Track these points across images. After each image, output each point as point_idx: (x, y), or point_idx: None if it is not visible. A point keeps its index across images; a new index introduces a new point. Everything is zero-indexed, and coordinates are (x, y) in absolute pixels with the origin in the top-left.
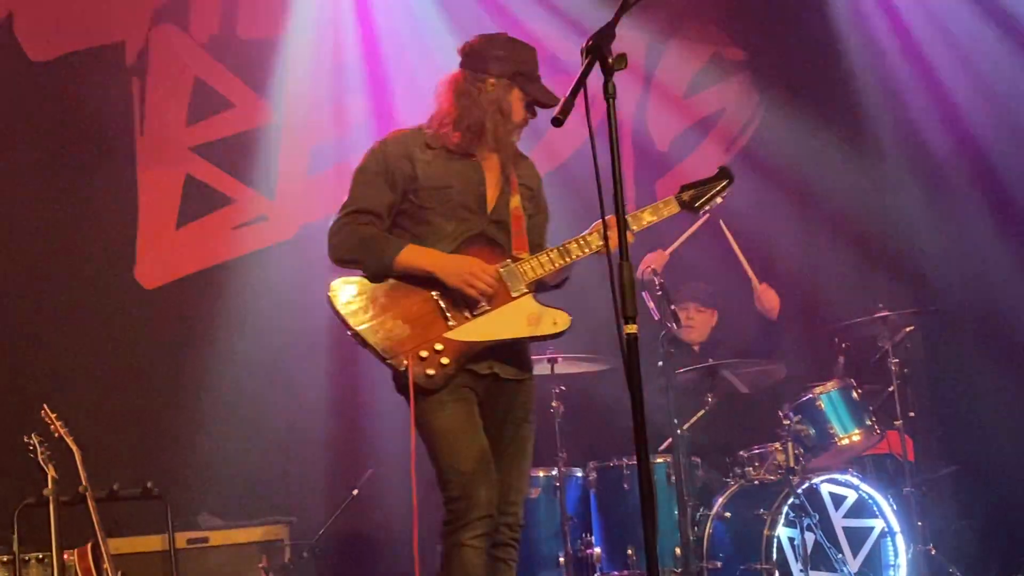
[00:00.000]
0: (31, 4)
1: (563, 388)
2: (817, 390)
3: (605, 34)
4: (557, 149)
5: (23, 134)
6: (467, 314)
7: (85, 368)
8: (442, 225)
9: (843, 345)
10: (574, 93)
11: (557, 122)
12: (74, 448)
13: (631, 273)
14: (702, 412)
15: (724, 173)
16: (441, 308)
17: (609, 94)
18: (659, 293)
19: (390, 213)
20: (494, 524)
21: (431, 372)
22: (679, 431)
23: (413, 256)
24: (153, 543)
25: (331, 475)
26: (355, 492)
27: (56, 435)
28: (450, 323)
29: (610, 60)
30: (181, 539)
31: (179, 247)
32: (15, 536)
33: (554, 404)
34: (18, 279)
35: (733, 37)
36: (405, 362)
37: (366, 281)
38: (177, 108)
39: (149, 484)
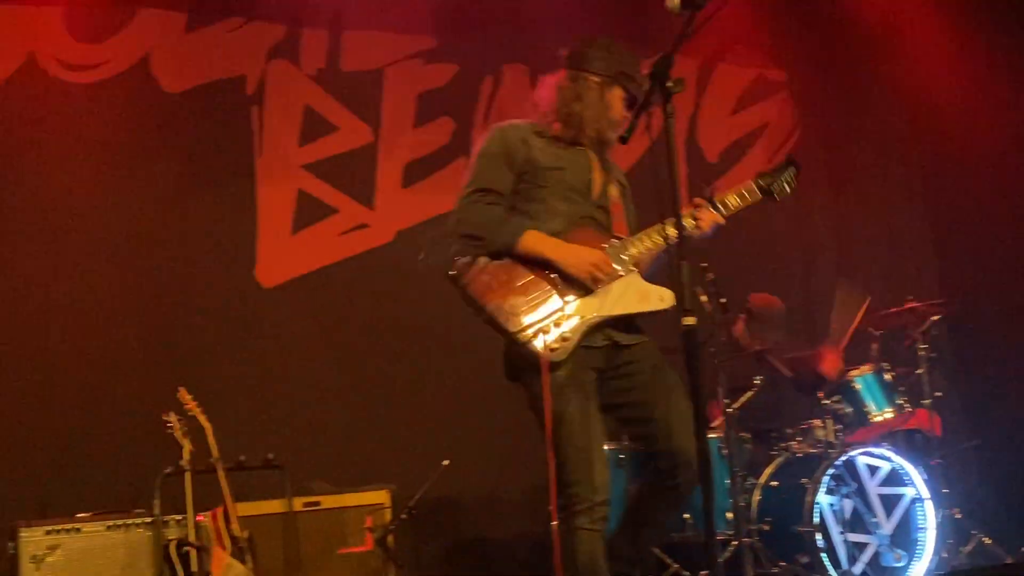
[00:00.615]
0: (165, 44)
1: None
2: (853, 373)
3: (664, 61)
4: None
5: (161, 155)
6: (582, 292)
7: (214, 355)
8: (555, 205)
9: (876, 332)
10: (637, 115)
11: (623, 140)
12: (206, 425)
13: (689, 272)
14: (750, 393)
15: (791, 161)
16: (559, 286)
17: (668, 113)
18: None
19: (509, 193)
20: (608, 509)
21: (554, 347)
22: (729, 410)
23: (535, 241)
24: (273, 507)
25: (427, 447)
26: (446, 463)
27: (190, 413)
28: (567, 300)
29: (669, 84)
30: (297, 503)
31: (293, 251)
32: (157, 501)
33: None
34: (160, 279)
35: (775, 60)
36: (530, 337)
37: (486, 259)
38: (290, 132)
39: (270, 455)
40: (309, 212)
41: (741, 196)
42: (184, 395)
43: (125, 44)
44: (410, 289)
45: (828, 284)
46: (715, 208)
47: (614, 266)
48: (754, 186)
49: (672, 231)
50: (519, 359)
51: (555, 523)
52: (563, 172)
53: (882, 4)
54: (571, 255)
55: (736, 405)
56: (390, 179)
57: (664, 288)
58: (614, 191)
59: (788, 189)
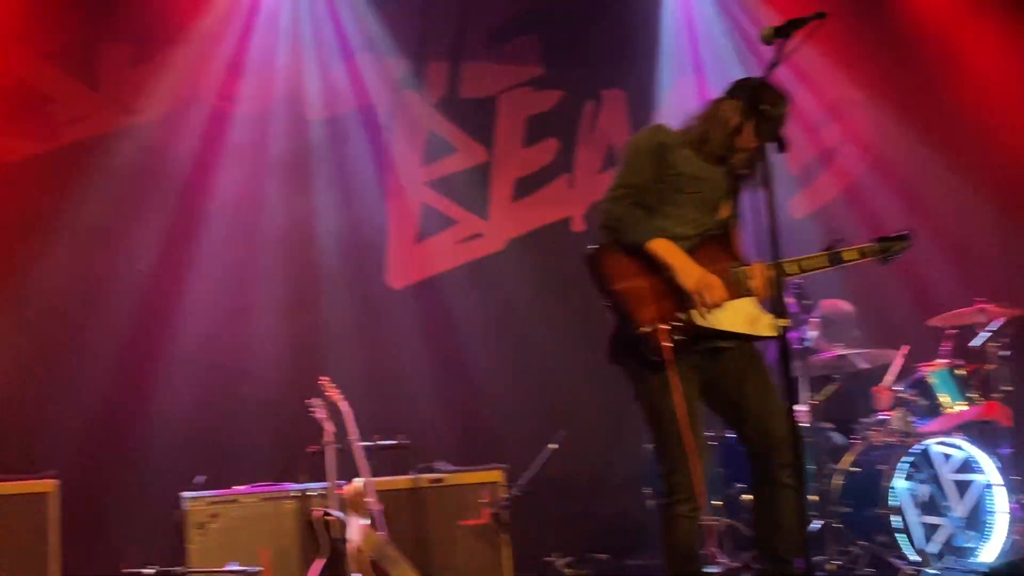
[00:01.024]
0: (310, 79)
1: None
2: (928, 368)
3: (760, 86)
4: None
5: (308, 173)
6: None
7: (352, 347)
8: (687, 212)
9: (949, 331)
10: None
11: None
12: (344, 409)
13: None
14: (832, 387)
15: (908, 235)
16: (679, 290)
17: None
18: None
19: (650, 188)
20: (705, 498)
21: (667, 344)
22: (813, 402)
23: (662, 248)
24: (403, 482)
25: (535, 432)
26: (554, 446)
27: (331, 399)
28: (684, 304)
29: (763, 107)
30: (423, 479)
31: (418, 257)
32: (303, 475)
33: None
34: (306, 280)
35: (854, 80)
36: (646, 328)
37: (621, 252)
38: (414, 153)
39: (400, 436)
40: (431, 223)
41: (861, 253)
42: (326, 383)
43: (278, 78)
44: (519, 290)
45: (901, 288)
46: (833, 260)
47: (726, 291)
48: (877, 248)
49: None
50: (629, 347)
51: (652, 503)
52: (700, 184)
53: (954, 21)
54: (689, 270)
55: (819, 398)
56: (502, 193)
57: (776, 317)
58: (734, 215)
59: (897, 256)
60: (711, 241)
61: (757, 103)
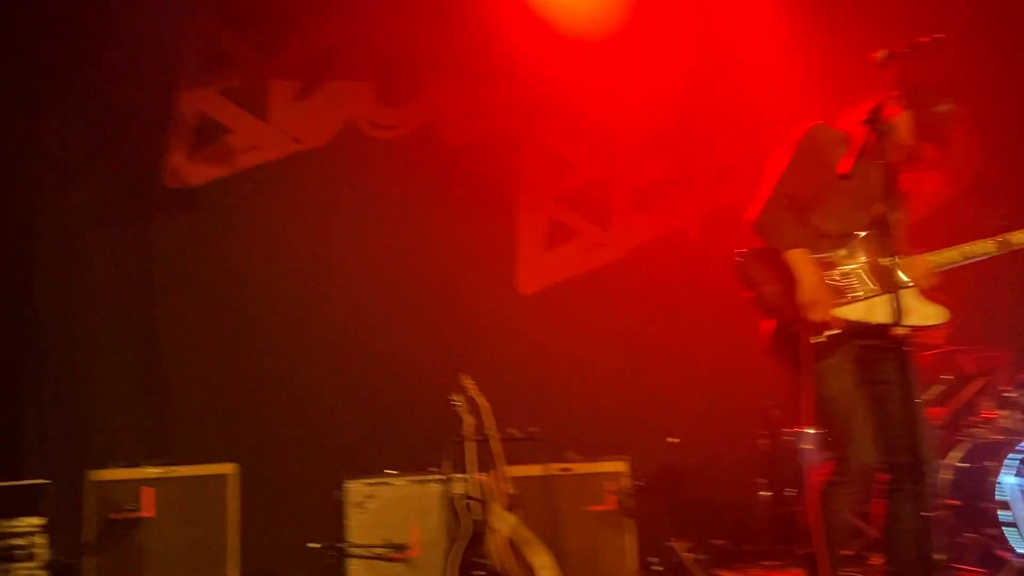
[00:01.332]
0: (449, 107)
1: None
2: None
3: (876, 111)
4: None
5: (447, 193)
6: (855, 295)
7: (487, 347)
8: (840, 209)
9: None
10: (857, 155)
11: (844, 177)
12: (482, 403)
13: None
14: (941, 387)
15: None
16: (835, 288)
17: (882, 151)
18: None
19: (808, 188)
20: (871, 480)
21: (820, 340)
22: (918, 400)
23: (796, 259)
24: (535, 470)
25: (657, 426)
26: (674, 440)
27: (470, 394)
28: (839, 301)
29: (881, 127)
30: (554, 468)
31: (545, 265)
32: (446, 463)
33: None
34: (446, 288)
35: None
36: (800, 324)
37: (772, 252)
38: (543, 170)
39: (533, 429)
40: (557, 234)
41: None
42: (465, 380)
43: (420, 108)
44: (639, 295)
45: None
46: (1002, 245)
47: (828, 311)
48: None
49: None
50: (787, 341)
51: (763, 494)
52: (854, 181)
53: None
54: (806, 286)
55: (927, 397)
56: (622, 206)
57: (938, 307)
58: (893, 209)
59: None
60: (869, 238)
61: (918, 102)
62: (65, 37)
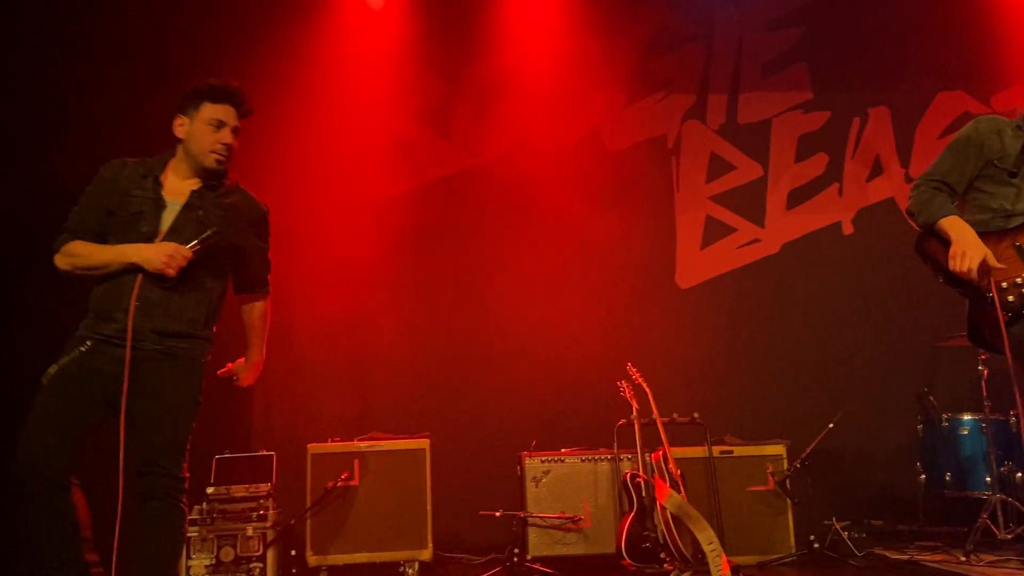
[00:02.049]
0: (609, 117)
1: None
2: None
3: None
4: None
5: (607, 196)
6: None
7: (650, 337)
8: (1006, 190)
9: None
10: None
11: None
12: (647, 390)
13: None
14: None
15: None
16: (1019, 253)
17: None
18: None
19: (963, 179)
20: None
21: (1011, 299)
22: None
23: (948, 224)
24: (698, 452)
25: (814, 411)
26: (831, 425)
27: (636, 381)
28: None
29: None
30: (715, 450)
31: (702, 261)
32: (615, 444)
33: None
34: (611, 284)
35: (980, 98)
36: (991, 290)
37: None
38: (698, 172)
39: (696, 414)
40: (714, 231)
41: None
42: (631, 368)
43: (583, 119)
44: (794, 287)
45: None
46: None
47: (977, 258)
48: None
49: None
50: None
51: (923, 477)
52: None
53: None
54: (962, 245)
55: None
56: (777, 203)
57: None
58: None
59: None
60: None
61: None
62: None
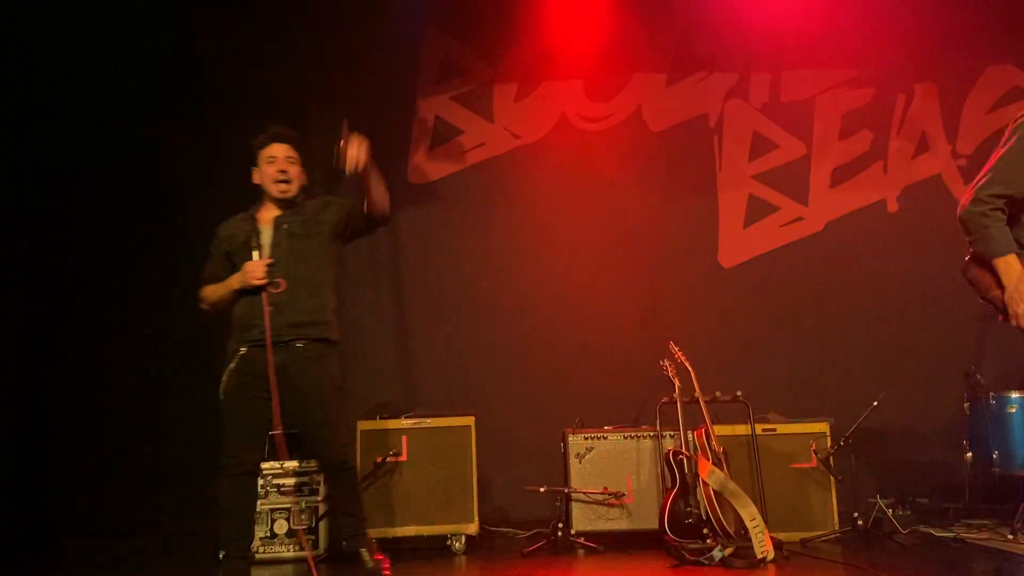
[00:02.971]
0: (651, 98)
1: None
2: None
3: None
4: None
5: (650, 176)
6: None
7: (693, 316)
8: None
9: None
10: None
11: None
12: (690, 369)
13: None
14: None
15: None
16: None
17: None
18: None
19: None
20: None
21: None
22: None
23: (1004, 266)
24: (740, 430)
25: (858, 389)
26: (875, 404)
27: (678, 360)
28: None
29: None
30: (758, 428)
31: (745, 240)
32: (658, 422)
33: None
34: (653, 263)
35: None
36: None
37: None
38: (741, 151)
39: (738, 392)
40: (757, 210)
41: None
42: (673, 346)
43: (625, 100)
44: (838, 265)
45: None
46: None
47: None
48: None
49: None
50: None
51: (969, 455)
52: None
53: None
54: (1014, 292)
55: None
56: (820, 182)
57: None
58: None
59: None
60: None
61: None
62: (332, 59)
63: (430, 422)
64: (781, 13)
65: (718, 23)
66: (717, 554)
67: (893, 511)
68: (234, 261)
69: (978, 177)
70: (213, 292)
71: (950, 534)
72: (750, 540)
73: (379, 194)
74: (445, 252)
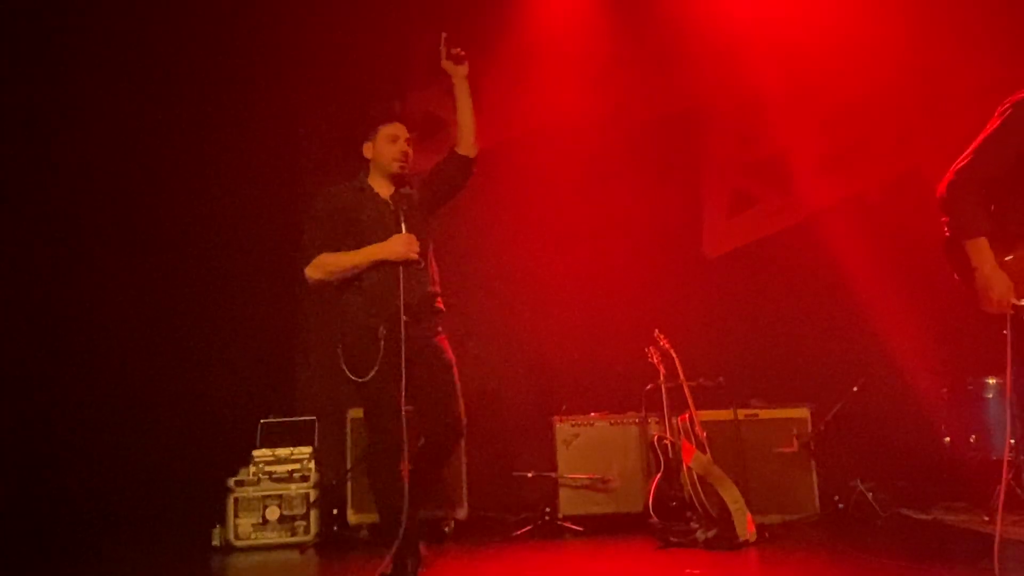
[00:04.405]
0: (637, 89)
1: None
2: None
3: None
4: None
5: (641, 169)
6: None
7: (679, 304)
8: None
9: None
10: None
11: None
12: (674, 355)
13: None
14: None
15: None
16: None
17: None
18: None
19: (1001, 170)
20: None
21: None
22: None
23: (973, 249)
24: (724, 415)
25: (838, 375)
26: (855, 389)
27: (664, 346)
28: None
29: None
30: (741, 413)
31: (729, 230)
32: (643, 408)
33: None
34: (641, 253)
35: None
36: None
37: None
38: (726, 144)
39: (720, 378)
40: (740, 201)
41: None
42: (658, 334)
43: (611, 92)
44: (819, 254)
45: None
46: None
47: (1007, 292)
48: None
49: None
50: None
51: (947, 439)
52: None
53: None
54: (985, 276)
55: None
56: (804, 172)
57: None
58: None
59: None
60: None
61: None
62: (326, 63)
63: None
64: (764, 12)
65: (704, 16)
66: (700, 536)
67: (873, 494)
68: (348, 237)
69: (960, 159)
70: (339, 262)
71: (928, 517)
72: (733, 523)
73: (470, 117)
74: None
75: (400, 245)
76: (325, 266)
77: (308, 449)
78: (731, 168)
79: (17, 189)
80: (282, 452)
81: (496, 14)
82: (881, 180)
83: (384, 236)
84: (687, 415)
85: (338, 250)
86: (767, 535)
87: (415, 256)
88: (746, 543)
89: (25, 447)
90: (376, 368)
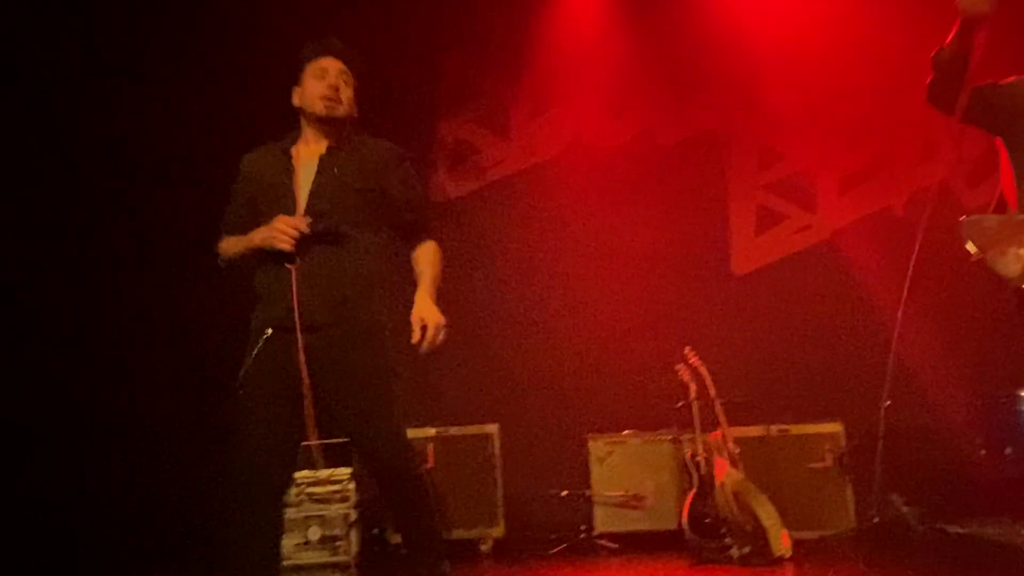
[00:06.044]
0: (661, 113)
1: None
2: None
3: None
4: None
5: (663, 189)
6: None
7: (708, 322)
8: None
9: None
10: None
11: None
12: (705, 373)
13: None
14: None
15: None
16: None
17: None
18: None
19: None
20: None
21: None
22: None
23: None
24: (756, 431)
25: (870, 390)
26: (887, 403)
27: (694, 364)
28: None
29: None
30: (773, 430)
31: (756, 248)
32: (675, 426)
33: None
34: (670, 272)
35: None
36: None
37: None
38: (750, 164)
39: (752, 395)
40: (766, 219)
41: None
42: (689, 351)
43: (635, 116)
44: (847, 269)
45: None
46: None
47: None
48: None
49: None
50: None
51: (983, 452)
52: None
53: None
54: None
55: None
56: (828, 190)
57: None
58: None
59: None
60: None
61: None
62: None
63: (454, 431)
64: (784, 31)
65: (725, 38)
66: (735, 552)
67: (909, 509)
68: (261, 210)
69: None
70: (228, 249)
71: (965, 531)
72: (768, 538)
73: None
74: (466, 267)
75: (268, 230)
76: (223, 255)
77: (348, 470)
78: (756, 187)
79: (17, 187)
80: (323, 473)
81: (522, 43)
82: (906, 195)
83: (277, 212)
84: (720, 432)
85: (245, 231)
86: (803, 551)
87: (283, 244)
88: (781, 559)
89: (74, 471)
90: (243, 373)
